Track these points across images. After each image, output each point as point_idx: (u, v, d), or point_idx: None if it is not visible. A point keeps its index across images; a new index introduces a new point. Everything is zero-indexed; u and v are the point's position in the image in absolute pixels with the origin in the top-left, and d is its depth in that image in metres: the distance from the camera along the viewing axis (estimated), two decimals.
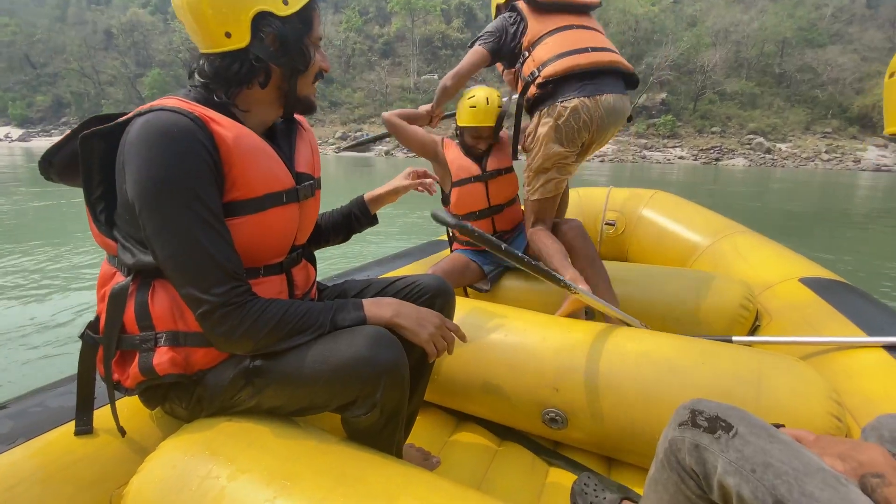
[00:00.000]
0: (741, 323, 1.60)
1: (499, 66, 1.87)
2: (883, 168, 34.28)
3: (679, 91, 44.78)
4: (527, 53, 1.69)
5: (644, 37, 46.20)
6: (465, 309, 1.42)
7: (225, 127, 0.77)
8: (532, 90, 1.67)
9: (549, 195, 1.74)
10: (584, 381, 1.17)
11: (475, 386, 1.30)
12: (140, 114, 0.74)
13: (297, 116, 0.97)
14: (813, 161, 35.68)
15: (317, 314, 0.83)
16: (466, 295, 1.97)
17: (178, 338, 0.81)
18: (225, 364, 0.84)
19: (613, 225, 2.54)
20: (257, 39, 0.78)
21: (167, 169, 0.71)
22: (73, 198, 9.03)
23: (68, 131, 0.82)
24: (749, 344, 1.42)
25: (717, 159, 36.51)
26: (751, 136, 40.07)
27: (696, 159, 36.74)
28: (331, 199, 1.20)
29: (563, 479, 1.22)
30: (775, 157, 36.68)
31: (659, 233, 2.37)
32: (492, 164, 1.91)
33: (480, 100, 1.83)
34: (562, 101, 1.61)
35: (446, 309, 1.10)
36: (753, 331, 1.66)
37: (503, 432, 1.40)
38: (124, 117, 0.78)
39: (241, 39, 0.77)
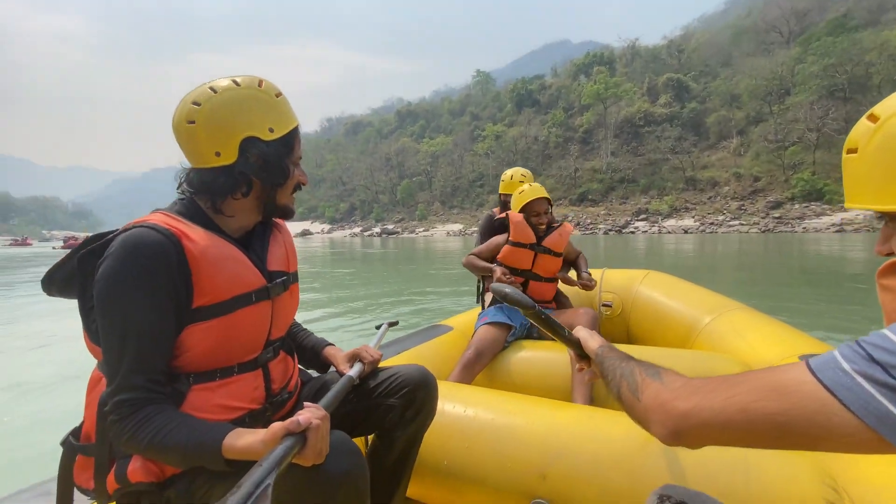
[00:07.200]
0: None
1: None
2: None
3: None
4: None
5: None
6: (449, 396, 1.40)
7: (194, 240, 0.84)
8: None
9: None
10: (570, 467, 1.13)
11: (460, 476, 1.26)
12: (127, 229, 0.83)
13: (275, 219, 1.05)
14: None
15: (196, 440, 0.76)
16: None
17: None
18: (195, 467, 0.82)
19: (610, 306, 2.57)
20: (243, 158, 0.89)
21: (126, 276, 0.78)
22: None
23: (69, 250, 0.89)
24: None
25: None
26: None
27: None
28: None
29: None
30: None
31: (658, 312, 2.37)
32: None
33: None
34: None
35: (427, 402, 1.12)
36: None
37: None
38: (113, 234, 0.86)
39: (229, 157, 0.88)
